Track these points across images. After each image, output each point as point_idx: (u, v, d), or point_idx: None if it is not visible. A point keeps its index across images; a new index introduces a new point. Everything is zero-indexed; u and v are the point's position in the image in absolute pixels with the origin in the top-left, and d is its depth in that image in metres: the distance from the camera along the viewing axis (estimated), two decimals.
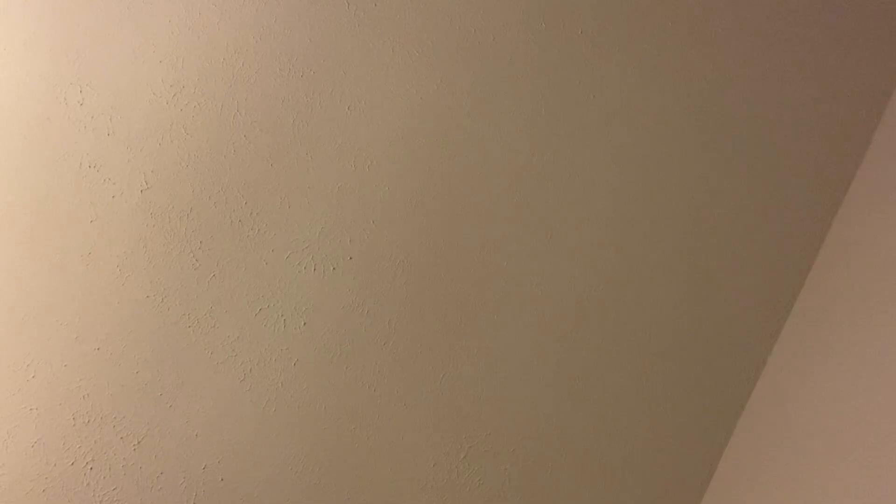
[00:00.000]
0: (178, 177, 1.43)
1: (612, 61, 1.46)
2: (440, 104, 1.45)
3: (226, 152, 1.44)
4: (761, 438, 1.42)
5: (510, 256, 1.48)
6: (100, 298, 1.44)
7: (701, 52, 1.46)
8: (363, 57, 1.44)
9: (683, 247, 1.48)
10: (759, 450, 1.41)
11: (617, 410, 1.51)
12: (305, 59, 1.43)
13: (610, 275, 1.49)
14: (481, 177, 1.47)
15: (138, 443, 1.47)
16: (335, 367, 1.48)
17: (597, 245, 1.48)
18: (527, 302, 1.49)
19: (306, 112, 1.44)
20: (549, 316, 1.49)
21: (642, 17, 1.45)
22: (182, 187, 1.44)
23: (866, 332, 1.22)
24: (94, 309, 1.44)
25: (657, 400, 1.51)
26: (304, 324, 1.47)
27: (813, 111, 1.46)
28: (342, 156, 1.45)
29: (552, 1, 1.45)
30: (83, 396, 1.45)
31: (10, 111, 1.40)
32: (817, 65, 1.45)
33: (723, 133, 1.47)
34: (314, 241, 1.46)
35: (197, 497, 1.49)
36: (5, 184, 1.41)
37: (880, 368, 1.15)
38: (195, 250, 1.45)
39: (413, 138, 1.46)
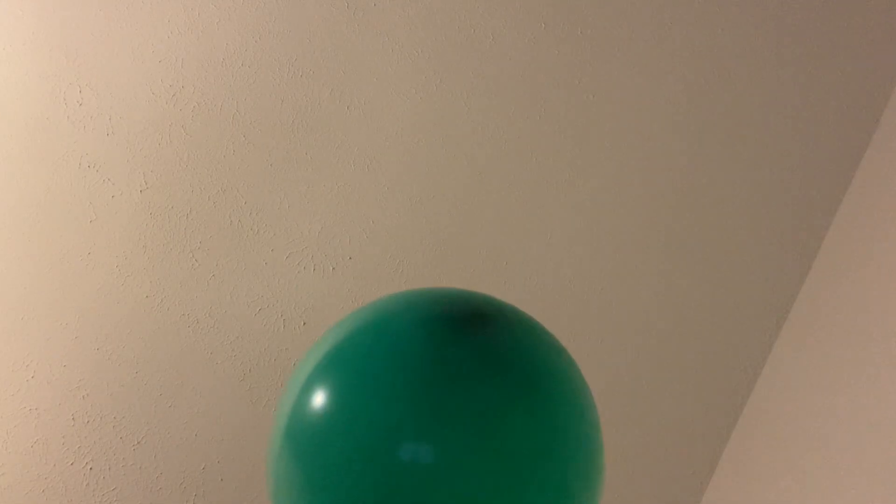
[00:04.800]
0: (178, 177, 1.43)
1: (612, 61, 1.46)
2: (440, 104, 1.45)
3: (225, 152, 1.44)
4: (761, 438, 1.42)
5: (510, 257, 1.48)
6: (100, 298, 1.44)
7: (701, 51, 1.46)
8: (363, 57, 1.44)
9: (683, 246, 1.48)
10: (759, 450, 1.41)
11: (616, 411, 1.51)
12: (305, 59, 1.43)
13: (609, 274, 1.49)
14: (481, 177, 1.47)
15: (138, 443, 1.47)
16: None
17: (596, 244, 1.48)
18: (526, 301, 1.49)
19: (306, 112, 1.44)
20: (547, 314, 1.49)
21: (642, 18, 1.45)
22: (181, 187, 1.43)
23: (865, 332, 1.22)
24: (94, 309, 1.44)
25: (657, 400, 1.51)
26: (304, 324, 1.47)
27: (813, 111, 1.46)
28: (342, 156, 1.45)
29: (552, 1, 1.45)
30: (83, 396, 1.45)
31: (9, 111, 1.40)
32: (817, 65, 1.45)
33: (722, 133, 1.47)
34: (314, 241, 1.46)
35: (196, 497, 1.49)
36: (4, 184, 1.41)
37: (879, 368, 1.15)
38: (195, 250, 1.45)
39: (413, 138, 1.45)
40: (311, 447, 0.53)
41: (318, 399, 0.54)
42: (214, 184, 1.44)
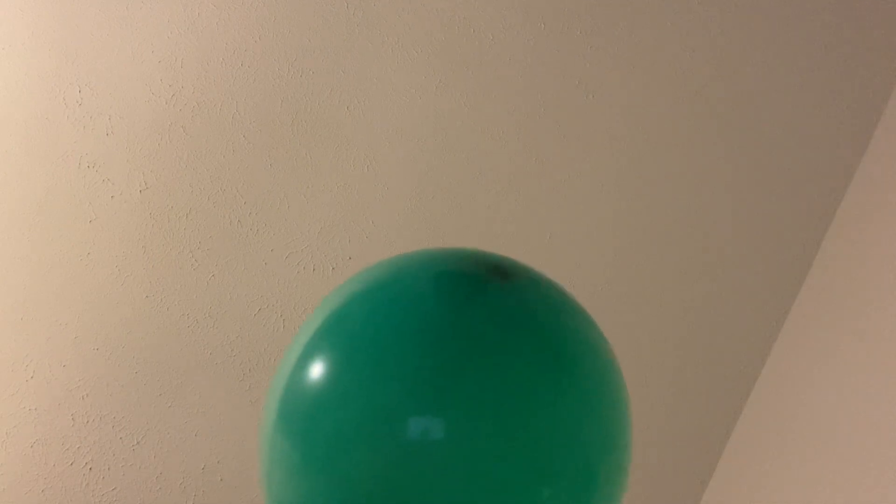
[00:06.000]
0: (178, 177, 1.43)
1: (611, 61, 1.46)
2: (440, 104, 1.45)
3: (225, 152, 1.44)
4: (761, 438, 1.43)
5: (509, 256, 1.48)
6: (99, 298, 1.44)
7: (700, 52, 1.46)
8: (363, 57, 1.44)
9: (682, 246, 1.48)
10: (759, 450, 1.41)
11: None
12: (305, 59, 1.43)
13: (609, 274, 1.49)
14: (481, 177, 1.47)
15: (138, 443, 1.47)
16: None
17: (596, 244, 1.48)
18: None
19: (306, 112, 1.44)
20: None
21: (642, 18, 1.45)
22: (181, 187, 1.43)
23: (865, 332, 1.22)
24: (93, 309, 1.44)
25: (657, 400, 1.51)
26: None
27: (813, 111, 1.46)
28: (342, 156, 1.45)
29: (552, 1, 1.45)
30: (82, 396, 1.45)
31: (8, 111, 1.40)
32: (817, 65, 1.45)
33: (722, 133, 1.47)
34: (314, 241, 1.46)
35: (196, 497, 1.49)
36: (4, 184, 1.41)
37: (879, 368, 1.15)
38: (194, 250, 1.45)
39: (413, 138, 1.45)
40: (306, 423, 0.47)
41: (315, 370, 0.47)
42: (214, 184, 1.44)
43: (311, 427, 0.46)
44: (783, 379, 1.43)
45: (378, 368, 0.45)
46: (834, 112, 1.45)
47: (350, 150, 1.45)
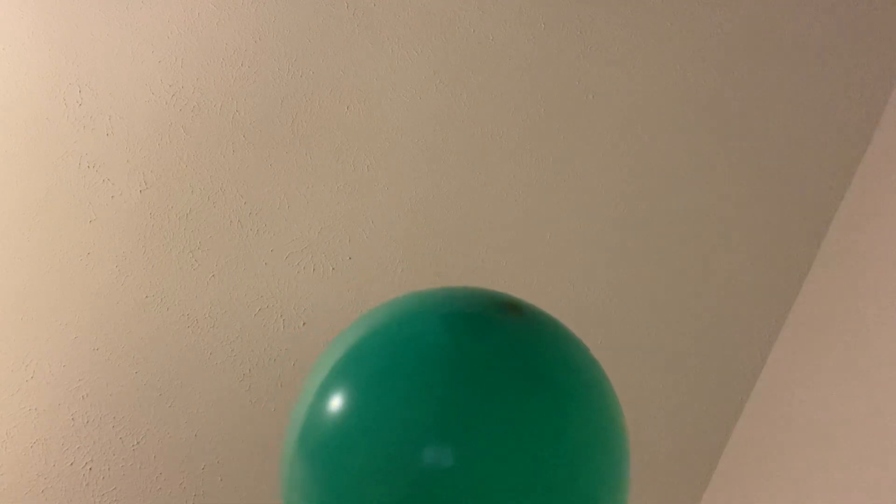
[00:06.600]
0: (178, 177, 1.43)
1: (611, 62, 1.46)
2: (440, 104, 1.45)
3: (225, 152, 1.44)
4: (761, 438, 1.42)
5: (510, 257, 1.48)
6: (99, 298, 1.44)
7: (700, 52, 1.46)
8: (363, 57, 1.44)
9: (683, 246, 1.48)
10: (759, 450, 1.41)
11: None
12: (305, 59, 1.43)
13: (609, 275, 1.49)
14: (480, 177, 1.47)
15: (138, 443, 1.47)
16: None
17: (595, 244, 1.48)
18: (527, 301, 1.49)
19: (306, 112, 1.44)
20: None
21: (642, 18, 1.45)
22: (181, 187, 1.43)
23: (866, 332, 1.22)
24: (93, 309, 1.44)
25: (657, 400, 1.51)
26: (304, 324, 1.47)
27: (813, 111, 1.46)
28: (342, 156, 1.45)
29: (552, 1, 1.45)
30: (82, 397, 1.45)
31: (9, 111, 1.40)
32: (817, 65, 1.45)
33: (722, 133, 1.47)
34: (314, 241, 1.46)
35: (196, 497, 1.49)
36: (5, 184, 1.41)
37: (879, 368, 1.15)
38: (194, 250, 1.45)
39: (412, 138, 1.45)
40: (326, 454, 0.50)
41: (335, 404, 0.51)
42: (214, 184, 1.44)
43: (331, 457, 0.49)
44: (783, 379, 1.43)
45: (399, 403, 0.48)
46: (834, 112, 1.45)
47: (350, 151, 1.45)
